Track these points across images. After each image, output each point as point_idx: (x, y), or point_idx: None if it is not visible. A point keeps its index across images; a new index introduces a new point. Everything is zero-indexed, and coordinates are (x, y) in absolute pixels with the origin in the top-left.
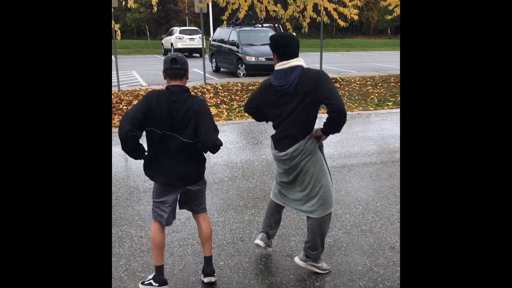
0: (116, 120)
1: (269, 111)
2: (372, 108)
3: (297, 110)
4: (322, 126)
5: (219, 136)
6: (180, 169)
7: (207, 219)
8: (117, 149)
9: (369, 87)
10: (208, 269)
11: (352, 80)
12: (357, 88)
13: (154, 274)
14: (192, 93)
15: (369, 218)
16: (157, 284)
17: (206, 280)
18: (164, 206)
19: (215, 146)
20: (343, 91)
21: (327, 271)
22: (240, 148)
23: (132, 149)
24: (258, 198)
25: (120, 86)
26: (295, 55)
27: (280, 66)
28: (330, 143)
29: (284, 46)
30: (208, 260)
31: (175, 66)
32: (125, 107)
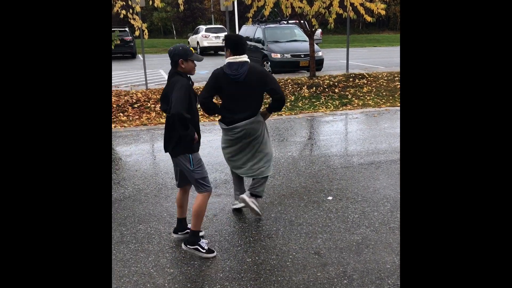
0: (144, 118)
1: (224, 93)
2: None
3: (248, 95)
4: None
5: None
6: (164, 135)
7: (198, 198)
8: (145, 147)
9: (397, 83)
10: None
11: (380, 76)
12: (384, 84)
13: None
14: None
15: (398, 216)
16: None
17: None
18: None
19: (178, 114)
20: (370, 87)
21: (256, 214)
22: None
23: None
24: (284, 195)
25: (148, 84)
26: (244, 52)
27: (232, 59)
28: (358, 140)
29: (238, 44)
30: (190, 232)
31: None
32: (153, 105)
